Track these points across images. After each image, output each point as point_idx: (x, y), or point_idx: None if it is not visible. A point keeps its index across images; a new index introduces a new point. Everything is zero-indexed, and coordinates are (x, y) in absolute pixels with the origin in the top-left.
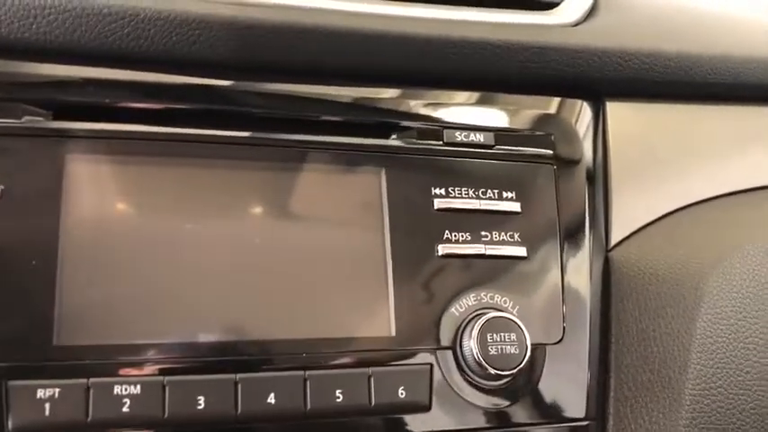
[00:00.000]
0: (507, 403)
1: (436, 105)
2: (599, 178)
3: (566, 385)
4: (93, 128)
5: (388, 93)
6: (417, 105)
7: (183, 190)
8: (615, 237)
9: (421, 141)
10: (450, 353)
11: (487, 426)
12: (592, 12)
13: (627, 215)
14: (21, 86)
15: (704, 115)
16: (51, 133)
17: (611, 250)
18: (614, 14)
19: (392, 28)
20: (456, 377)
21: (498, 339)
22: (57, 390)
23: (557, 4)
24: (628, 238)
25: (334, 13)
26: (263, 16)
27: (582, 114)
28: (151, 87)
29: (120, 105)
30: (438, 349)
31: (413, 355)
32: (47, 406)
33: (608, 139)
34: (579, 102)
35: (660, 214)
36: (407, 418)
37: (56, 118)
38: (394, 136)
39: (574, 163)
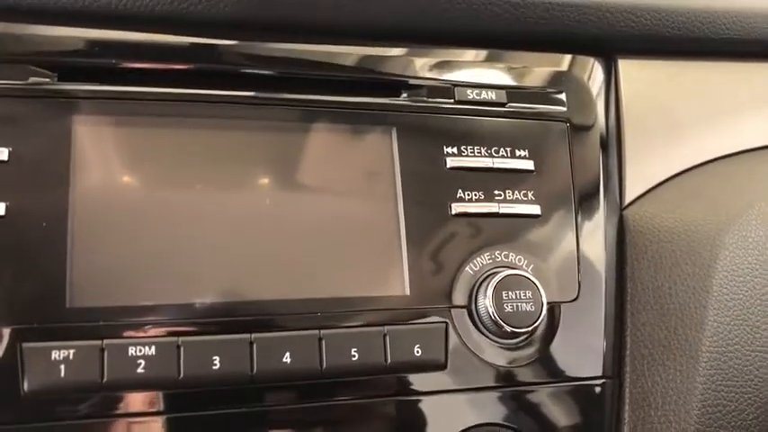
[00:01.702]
0: (523, 362)
1: (447, 63)
2: (612, 136)
3: (582, 344)
4: (99, 89)
5: (398, 51)
6: (427, 63)
7: (194, 151)
8: (629, 195)
9: (432, 100)
10: (465, 312)
11: (503, 384)
12: None
13: (641, 173)
14: (26, 48)
15: (718, 72)
16: (58, 95)
17: (625, 208)
18: None
19: None
20: (471, 336)
21: (513, 297)
22: (71, 351)
23: None
24: (642, 195)
25: None
26: None
27: (594, 72)
28: (157, 48)
29: (126, 66)
30: (453, 308)
31: (427, 313)
32: (62, 367)
33: (620, 96)
34: (591, 59)
35: (675, 172)
36: (424, 376)
37: (61, 79)
38: (404, 95)
39: (587, 121)
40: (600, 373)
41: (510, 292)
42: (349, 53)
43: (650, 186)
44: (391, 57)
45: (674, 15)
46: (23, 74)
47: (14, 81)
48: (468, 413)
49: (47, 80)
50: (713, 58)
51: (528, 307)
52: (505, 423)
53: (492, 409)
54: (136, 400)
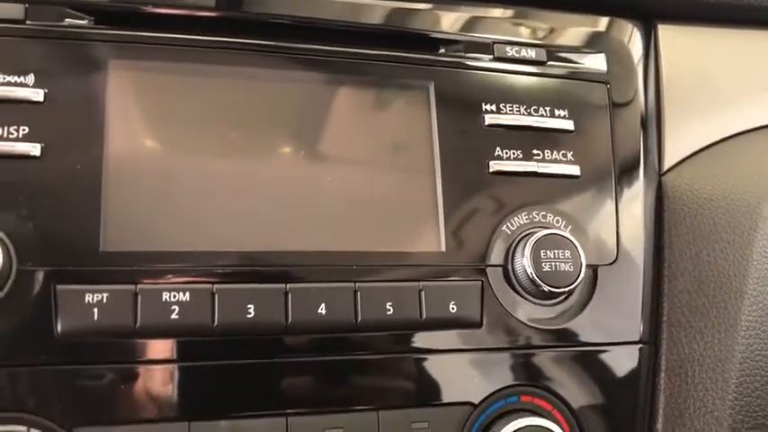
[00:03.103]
0: (559, 323)
1: (486, 20)
2: (652, 101)
3: (619, 308)
4: (135, 35)
5: (438, 5)
6: (467, 19)
7: (229, 100)
8: (668, 161)
9: (471, 55)
10: (500, 270)
11: (538, 345)
12: None
13: (680, 139)
14: None
15: (760, 40)
16: (93, 38)
17: (664, 174)
18: None
19: None
20: (507, 295)
21: (552, 256)
22: (105, 295)
23: None
24: (681, 162)
25: None
26: None
27: (633, 36)
28: None
29: (160, 12)
30: (489, 266)
31: (463, 271)
32: (95, 311)
33: (660, 62)
34: (630, 23)
35: (715, 140)
36: (458, 333)
37: (97, 23)
38: (443, 50)
39: (627, 84)
40: (637, 338)
41: (548, 252)
42: (386, 6)
43: (689, 153)
44: (430, 11)
45: None
46: (59, 16)
47: (50, 23)
48: (502, 373)
49: (83, 23)
50: (755, 26)
51: (566, 267)
52: (539, 384)
53: (526, 369)
54: (168, 347)
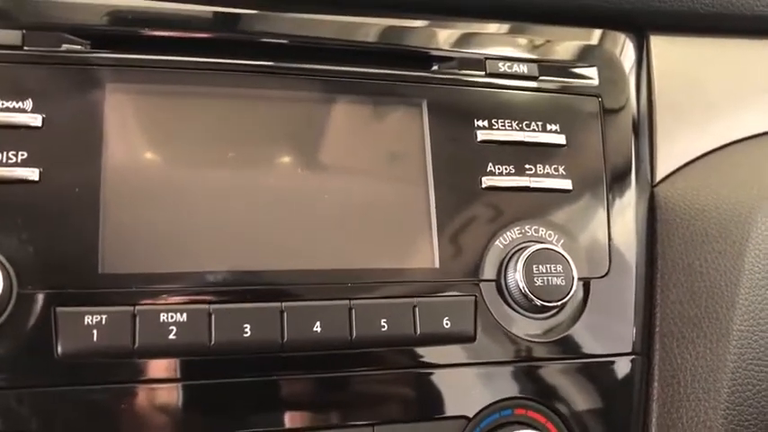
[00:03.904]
0: (552, 337)
1: (477, 36)
2: (644, 113)
3: (612, 320)
4: (131, 58)
5: (429, 23)
6: (458, 36)
7: (224, 121)
8: (660, 172)
9: (463, 72)
10: (494, 285)
11: (532, 358)
12: None
13: (672, 150)
14: (60, 16)
15: (752, 50)
16: (90, 62)
17: (656, 185)
18: None
19: None
20: (500, 309)
21: (544, 271)
22: (104, 317)
23: None
24: (673, 173)
25: None
26: None
27: (625, 48)
28: (187, 17)
29: (157, 35)
30: (482, 281)
31: (457, 286)
32: (94, 332)
33: (652, 73)
34: (622, 35)
35: (706, 150)
36: (452, 348)
37: (94, 47)
38: (435, 67)
39: (618, 96)
40: (629, 350)
41: (541, 266)
42: (380, 24)
43: (681, 164)
44: (422, 28)
45: None
46: (57, 41)
47: (48, 48)
48: (496, 386)
49: (79, 48)
50: (746, 35)
51: (558, 281)
52: (533, 397)
53: (520, 382)
54: (167, 367)
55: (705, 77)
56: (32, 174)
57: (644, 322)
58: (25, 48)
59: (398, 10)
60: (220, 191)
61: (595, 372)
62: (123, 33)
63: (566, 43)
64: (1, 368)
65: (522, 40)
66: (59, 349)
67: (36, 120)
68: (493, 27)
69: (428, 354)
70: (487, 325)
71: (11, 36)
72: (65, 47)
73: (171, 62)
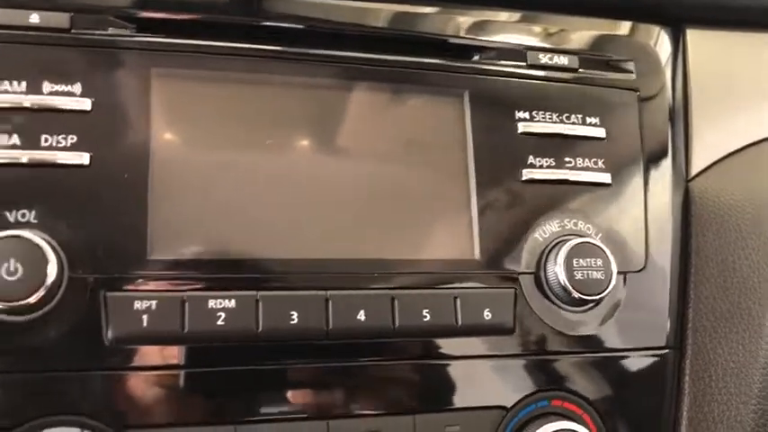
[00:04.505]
0: (588, 329)
1: (518, 26)
2: (680, 107)
3: (646, 314)
4: (175, 42)
5: (470, 12)
6: (499, 26)
7: (271, 107)
8: (695, 167)
9: (504, 63)
10: (532, 277)
11: (568, 350)
12: None
13: (707, 145)
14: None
15: None
16: (137, 46)
17: (691, 180)
18: None
19: None
20: (539, 301)
21: (584, 265)
22: (153, 302)
23: None
24: (708, 168)
25: None
26: None
27: (662, 41)
28: (237, 3)
29: (200, 19)
30: (521, 273)
31: (497, 278)
32: (144, 317)
33: (688, 67)
34: (659, 28)
35: (741, 145)
36: (492, 339)
37: (139, 31)
38: (476, 57)
39: (655, 90)
40: (663, 344)
41: (581, 260)
42: (423, 13)
43: (716, 159)
44: (464, 18)
45: None
46: (103, 24)
47: (95, 31)
48: (534, 378)
49: (125, 31)
50: None
51: (598, 275)
52: (569, 388)
53: (556, 374)
54: (215, 352)
55: (740, 72)
56: (82, 158)
57: (677, 317)
58: (73, 31)
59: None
60: (267, 177)
61: (630, 365)
62: (166, 18)
63: (604, 35)
64: (52, 351)
65: (561, 32)
66: (110, 334)
67: (85, 103)
68: (533, 17)
69: (468, 344)
70: (526, 317)
71: (59, 18)
72: (111, 30)
73: (214, 47)
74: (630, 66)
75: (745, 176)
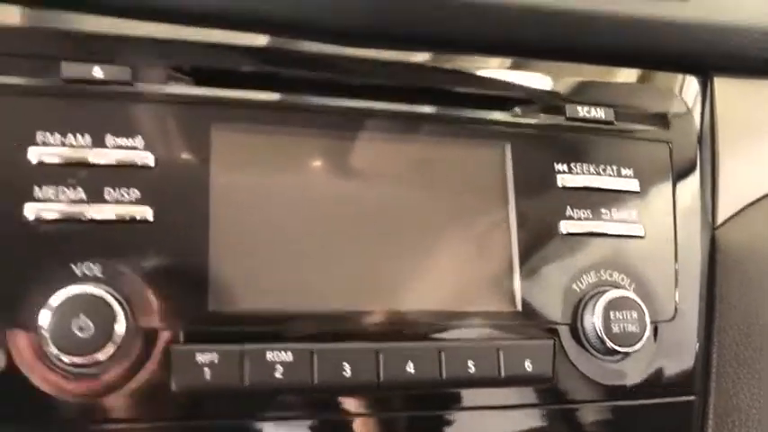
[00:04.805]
0: (621, 378)
1: (557, 78)
2: (707, 156)
3: (675, 361)
4: (233, 96)
5: (512, 65)
6: (539, 78)
7: (326, 159)
8: (722, 215)
9: (544, 115)
10: (569, 328)
11: (602, 399)
12: None
13: (733, 194)
14: (165, 53)
15: None
16: (196, 100)
17: (717, 228)
18: None
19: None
20: (575, 352)
21: (621, 317)
22: (215, 355)
23: None
24: (733, 216)
25: None
26: None
27: (693, 91)
28: (293, 56)
29: (261, 72)
30: (559, 324)
31: (537, 329)
32: (206, 370)
33: (715, 115)
34: (690, 77)
35: (765, 193)
36: (531, 389)
37: (198, 84)
38: (517, 110)
39: (687, 141)
40: (690, 390)
41: (617, 312)
42: (468, 66)
43: (741, 207)
44: (506, 71)
45: None
46: (164, 78)
47: (155, 85)
48: (569, 426)
49: (185, 85)
50: None
51: (633, 327)
52: None
53: (591, 421)
54: (274, 403)
55: (765, 119)
56: (146, 212)
57: (703, 363)
58: (134, 84)
59: (485, 51)
60: (320, 233)
61: (658, 411)
62: (224, 71)
63: (639, 87)
64: (122, 403)
65: (597, 84)
66: (174, 386)
67: (147, 158)
68: (571, 69)
69: (510, 394)
70: (563, 367)
71: (122, 72)
72: (170, 84)
73: (273, 102)
74: (664, 118)
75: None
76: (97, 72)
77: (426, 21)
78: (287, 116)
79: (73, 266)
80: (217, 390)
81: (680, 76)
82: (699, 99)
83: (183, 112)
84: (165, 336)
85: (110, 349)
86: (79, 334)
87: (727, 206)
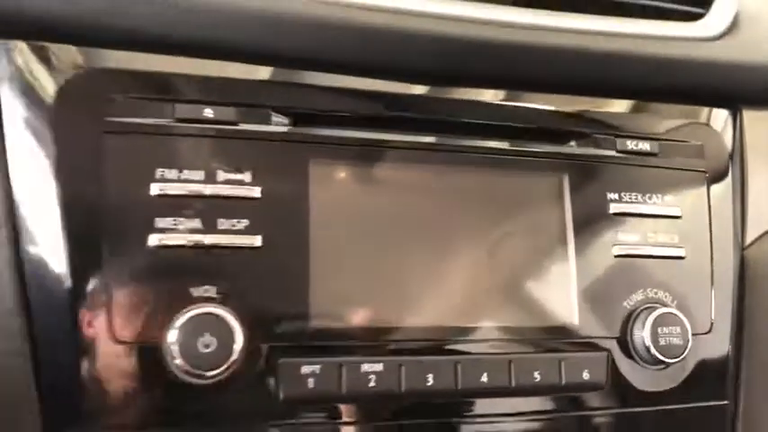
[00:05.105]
0: (664, 387)
1: (608, 114)
2: (737, 182)
3: (710, 371)
4: (330, 134)
5: (566, 102)
6: (592, 114)
7: (410, 188)
8: (750, 236)
9: (597, 148)
10: (619, 341)
11: (647, 405)
12: (733, 24)
13: (760, 216)
14: (266, 95)
15: None
16: (295, 138)
17: (746, 248)
18: (755, 27)
19: (562, 41)
20: (625, 363)
21: (666, 332)
22: (318, 367)
23: (701, 15)
24: (760, 237)
25: (516, 27)
26: (462, 32)
27: (726, 124)
28: (381, 97)
29: (352, 113)
30: (611, 338)
31: (593, 342)
32: (310, 380)
33: (744, 144)
34: (724, 112)
35: None
36: (587, 396)
37: (296, 124)
38: (573, 143)
39: (721, 170)
40: (723, 397)
41: (664, 328)
42: (531, 104)
43: (767, 229)
44: (563, 108)
45: None
46: (264, 118)
47: (258, 124)
48: (616, 428)
49: (284, 124)
50: None
51: (677, 341)
52: None
53: (636, 427)
54: (367, 408)
55: None
56: (256, 240)
57: (734, 372)
58: (240, 124)
59: (544, 89)
60: (409, 260)
61: (696, 416)
62: (318, 112)
63: (679, 121)
64: (236, 411)
65: (642, 119)
66: (281, 395)
67: (254, 191)
68: (619, 105)
69: (570, 400)
70: (614, 376)
71: (229, 113)
72: (271, 123)
73: (366, 140)
74: (701, 149)
75: None
76: (208, 112)
77: (502, 65)
78: (375, 152)
79: (192, 289)
80: (319, 397)
81: (713, 110)
82: (729, 130)
83: (284, 149)
84: (273, 350)
85: (229, 364)
86: (203, 350)
87: (754, 228)
